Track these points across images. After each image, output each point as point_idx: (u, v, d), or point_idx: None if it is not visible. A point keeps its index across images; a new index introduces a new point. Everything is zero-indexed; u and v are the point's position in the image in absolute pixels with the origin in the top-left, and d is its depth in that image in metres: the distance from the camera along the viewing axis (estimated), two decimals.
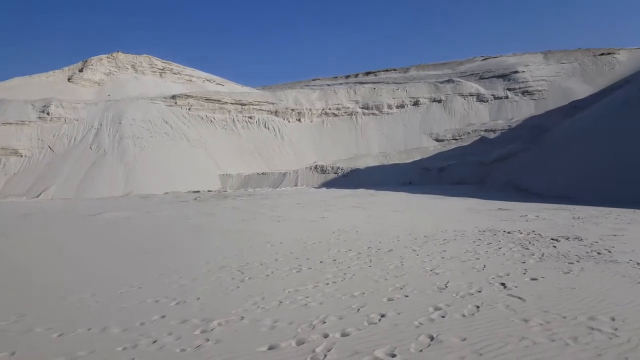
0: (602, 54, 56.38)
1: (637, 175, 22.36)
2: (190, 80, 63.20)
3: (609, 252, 8.71)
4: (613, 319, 5.01)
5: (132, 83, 57.66)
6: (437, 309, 5.58)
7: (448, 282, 6.77)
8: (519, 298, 5.87)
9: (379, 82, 61.34)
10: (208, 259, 9.02)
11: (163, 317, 5.65)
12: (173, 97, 51.08)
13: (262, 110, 54.87)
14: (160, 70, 63.02)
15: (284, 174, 41.04)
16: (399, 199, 23.75)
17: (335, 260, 8.55)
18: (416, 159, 44.16)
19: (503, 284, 6.54)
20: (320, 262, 8.43)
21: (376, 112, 56.28)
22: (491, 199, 22.11)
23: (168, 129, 45.29)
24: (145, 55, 63.34)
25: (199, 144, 45.43)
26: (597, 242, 9.75)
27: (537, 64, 58.12)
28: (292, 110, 56.13)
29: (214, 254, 9.52)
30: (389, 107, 56.33)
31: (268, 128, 53.12)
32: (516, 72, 56.45)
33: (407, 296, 6.14)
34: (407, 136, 52.09)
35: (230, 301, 6.20)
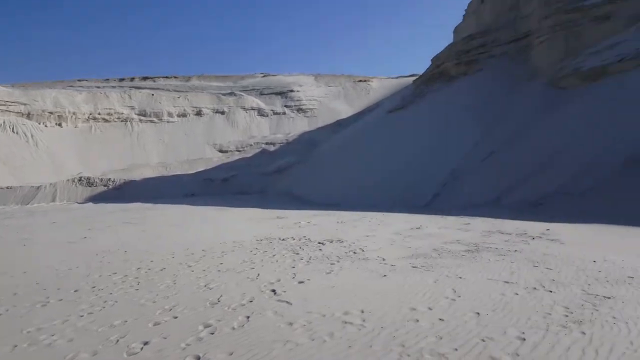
0: (360, 81, 66.52)
1: (387, 182, 26.93)
2: None
3: (363, 251, 10.03)
4: (362, 312, 5.66)
5: None
6: (207, 325, 5.37)
7: (221, 295, 6.62)
8: (287, 302, 6.13)
9: (157, 89, 58.21)
10: None
11: None
12: None
13: (10, 111, 45.39)
14: None
15: (38, 187, 34.54)
16: (179, 212, 22.80)
17: (94, 287, 7.43)
18: (199, 169, 43.46)
19: (273, 290, 6.75)
20: (76, 290, 7.22)
21: (155, 119, 53.19)
22: (271, 208, 23.28)
23: None
24: None
25: None
26: (354, 243, 11.14)
27: (309, 85, 64.69)
28: (51, 113, 48.09)
29: None
30: (170, 115, 54.02)
31: (17, 133, 44.16)
32: (292, 90, 61.63)
33: (176, 317, 5.73)
34: (190, 146, 50.84)
35: None
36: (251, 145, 51.73)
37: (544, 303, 5.78)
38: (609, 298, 5.92)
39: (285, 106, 59.65)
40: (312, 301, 6.16)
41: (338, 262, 8.80)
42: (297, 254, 9.79)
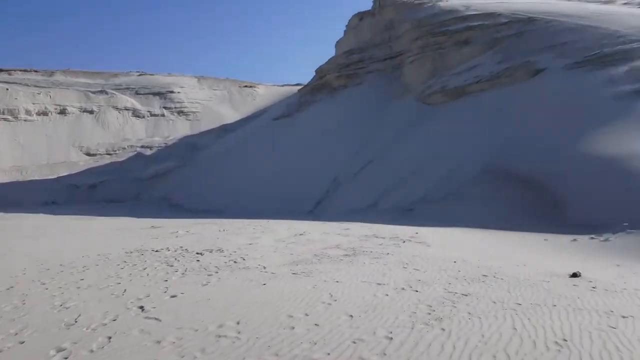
0: (246, 86, 65.76)
1: (272, 189, 26.95)
2: None
3: (244, 259, 9.78)
4: (238, 323, 5.46)
5: None
6: (60, 350, 4.77)
7: (79, 315, 5.89)
8: (156, 319, 5.67)
9: (14, 83, 50.82)
10: None
11: None
12: None
13: None
14: None
15: None
16: (36, 222, 20.13)
17: None
18: (62, 174, 38.95)
19: (141, 307, 6.20)
20: None
21: (10, 117, 46.23)
22: (145, 217, 21.77)
23: None
24: None
25: None
26: (235, 252, 10.82)
27: (191, 87, 62.07)
28: None
29: None
30: (28, 112, 47.39)
31: None
32: (172, 92, 58.49)
33: (22, 342, 5.01)
34: (51, 148, 45.12)
35: None
36: (124, 148, 47.78)
37: (411, 302, 6.19)
38: (466, 295, 6.55)
39: (165, 108, 56.38)
40: (184, 316, 5.78)
41: (216, 272, 8.45)
42: (172, 266, 9.18)
